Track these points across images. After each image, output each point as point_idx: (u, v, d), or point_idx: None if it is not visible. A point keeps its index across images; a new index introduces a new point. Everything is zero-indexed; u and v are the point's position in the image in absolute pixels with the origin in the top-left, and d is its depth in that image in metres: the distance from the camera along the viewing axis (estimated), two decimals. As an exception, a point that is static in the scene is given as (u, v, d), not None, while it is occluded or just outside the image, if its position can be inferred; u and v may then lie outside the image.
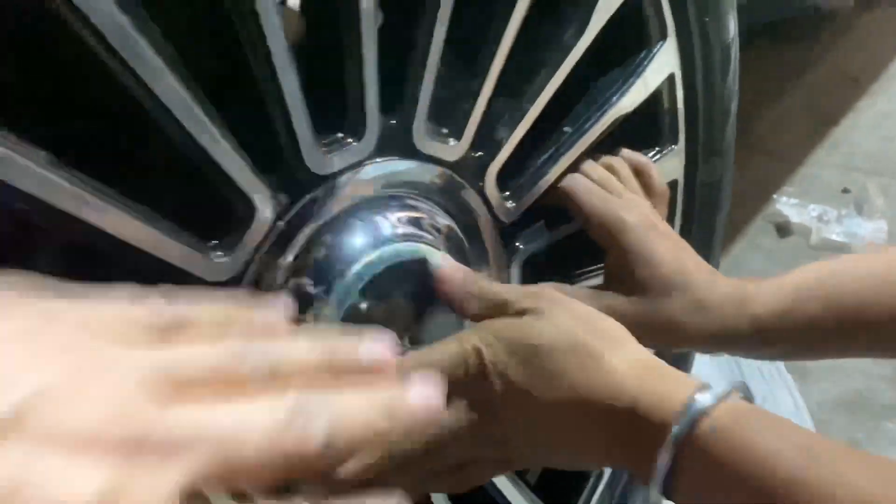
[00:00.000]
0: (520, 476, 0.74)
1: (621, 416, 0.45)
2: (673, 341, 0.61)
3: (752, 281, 0.61)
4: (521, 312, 0.50)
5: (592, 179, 0.65)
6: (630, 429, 0.45)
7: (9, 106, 0.32)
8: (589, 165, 0.67)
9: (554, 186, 0.65)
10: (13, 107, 0.32)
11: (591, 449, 0.48)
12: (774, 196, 1.63)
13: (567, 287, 0.63)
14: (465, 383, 0.47)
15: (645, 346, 0.57)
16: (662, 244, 0.60)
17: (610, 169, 0.68)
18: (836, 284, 0.56)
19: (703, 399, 0.42)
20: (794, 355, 0.63)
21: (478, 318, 0.52)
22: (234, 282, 0.44)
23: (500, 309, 0.51)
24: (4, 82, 0.35)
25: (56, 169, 0.35)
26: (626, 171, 0.68)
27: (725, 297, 0.58)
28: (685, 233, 0.83)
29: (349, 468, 0.45)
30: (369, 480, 0.47)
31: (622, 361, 0.47)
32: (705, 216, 0.85)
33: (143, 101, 0.37)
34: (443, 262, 0.54)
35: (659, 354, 0.50)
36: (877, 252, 0.59)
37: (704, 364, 1.25)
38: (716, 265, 0.92)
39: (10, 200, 0.33)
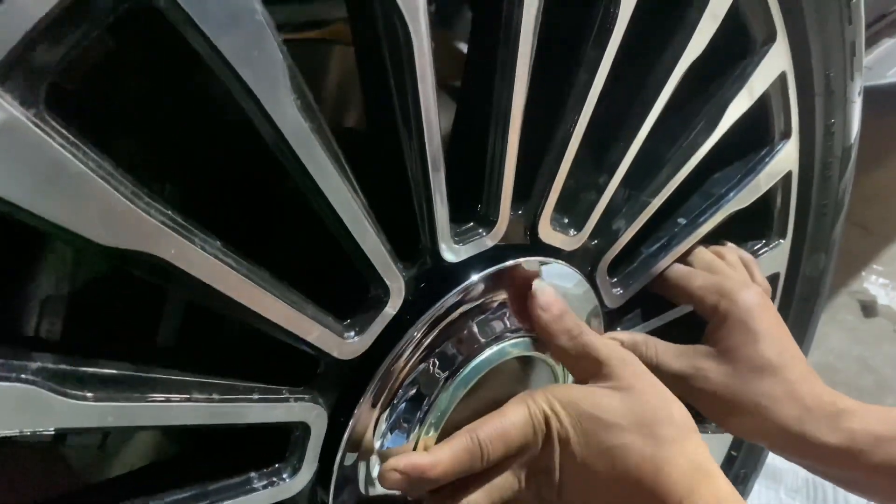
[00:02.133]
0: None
1: None
2: (750, 427, 0.59)
3: (853, 400, 0.60)
4: (602, 377, 0.51)
5: (701, 264, 0.66)
6: None
7: (204, 206, 0.34)
8: (698, 251, 0.67)
9: (662, 275, 0.65)
10: (203, 205, 0.35)
11: None
12: (863, 273, 1.58)
13: (658, 342, 0.62)
14: (532, 447, 0.49)
15: (721, 424, 0.58)
16: (769, 323, 0.60)
17: (718, 255, 0.68)
18: None
19: None
20: (865, 488, 0.60)
21: (564, 358, 0.53)
22: (360, 359, 0.46)
23: (586, 362, 0.52)
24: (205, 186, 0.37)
25: (225, 256, 0.37)
26: (733, 258, 0.68)
27: (822, 400, 0.57)
28: (785, 301, 0.82)
29: None
30: None
31: (682, 457, 0.48)
32: (803, 311, 0.84)
33: (312, 198, 0.39)
34: (541, 290, 0.54)
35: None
36: None
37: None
38: (809, 344, 0.91)
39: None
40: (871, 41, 1.14)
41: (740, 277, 0.65)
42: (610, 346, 0.53)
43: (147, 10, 0.30)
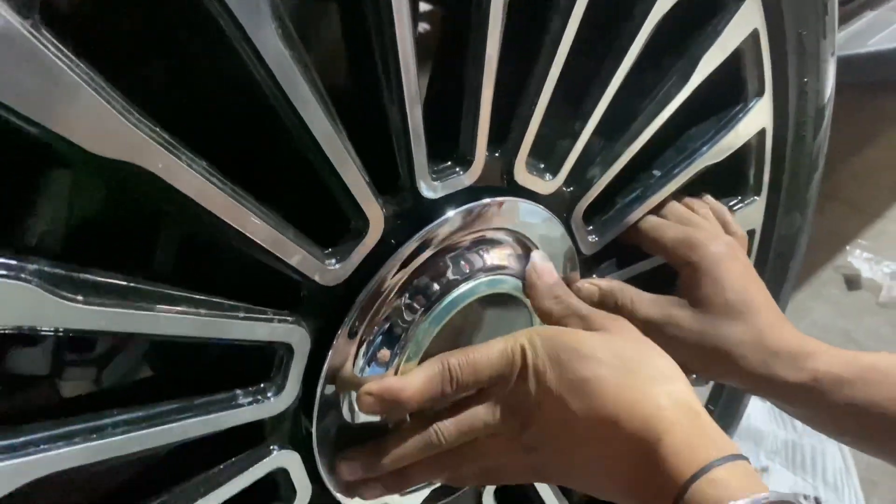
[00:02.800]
0: (565, 493, 0.77)
1: (645, 449, 0.45)
2: (720, 371, 0.62)
3: (816, 340, 0.62)
4: (585, 328, 0.53)
5: (674, 216, 0.68)
6: (648, 466, 0.45)
7: (189, 127, 0.37)
8: (671, 204, 0.70)
9: (636, 226, 0.68)
10: (189, 126, 0.37)
11: (612, 476, 0.48)
12: (847, 247, 1.61)
13: (633, 290, 0.64)
14: (507, 381, 0.51)
15: (693, 369, 0.60)
16: (736, 271, 0.62)
17: (690, 208, 0.70)
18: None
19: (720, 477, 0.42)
20: (832, 430, 0.62)
21: (548, 318, 0.55)
22: (341, 286, 0.49)
23: (568, 320, 0.54)
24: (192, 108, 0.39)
25: (210, 175, 0.40)
26: (705, 211, 0.70)
27: (789, 343, 0.60)
28: (760, 259, 0.84)
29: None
30: (418, 465, 0.52)
31: (665, 395, 0.47)
32: (778, 267, 0.87)
33: (291, 126, 0.42)
34: (540, 259, 0.58)
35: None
36: None
37: (756, 410, 1.25)
38: (784, 301, 0.93)
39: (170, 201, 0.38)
40: (855, 13, 1.16)
41: (711, 230, 0.67)
42: (598, 310, 0.55)
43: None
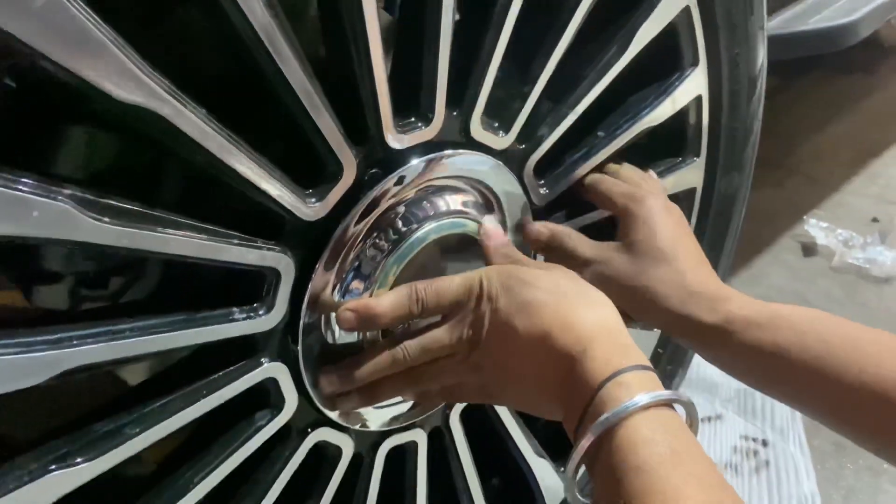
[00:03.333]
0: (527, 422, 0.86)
1: (570, 361, 0.52)
2: (646, 308, 0.68)
3: (737, 291, 0.66)
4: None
5: (622, 176, 0.77)
6: (572, 375, 0.52)
7: (191, 81, 0.45)
8: (623, 166, 0.79)
9: (582, 181, 0.76)
10: (190, 80, 0.46)
11: (542, 388, 0.55)
12: (805, 217, 1.71)
13: (577, 234, 0.72)
14: (465, 307, 0.59)
15: (625, 308, 0.66)
16: (669, 222, 0.70)
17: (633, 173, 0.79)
18: (817, 335, 0.59)
19: (630, 382, 0.48)
20: (739, 371, 0.66)
21: None
22: (320, 222, 0.57)
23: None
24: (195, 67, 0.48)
25: (209, 121, 0.48)
26: (647, 176, 0.79)
27: (707, 286, 0.65)
28: (698, 233, 0.94)
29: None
30: (387, 380, 0.61)
31: (594, 316, 0.54)
32: (719, 223, 0.96)
33: (275, 81, 0.50)
34: (491, 224, 0.67)
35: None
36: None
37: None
38: (726, 268, 1.02)
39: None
40: (799, -5, 1.25)
41: (650, 188, 0.76)
42: (539, 261, 0.63)
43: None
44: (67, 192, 0.44)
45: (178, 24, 0.49)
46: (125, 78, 0.43)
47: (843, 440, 1.21)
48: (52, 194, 0.43)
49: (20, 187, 0.42)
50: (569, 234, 0.73)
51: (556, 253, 0.72)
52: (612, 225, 0.75)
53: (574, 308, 0.56)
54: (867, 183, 1.85)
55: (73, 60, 0.41)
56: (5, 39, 0.38)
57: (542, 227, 0.73)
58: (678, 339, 0.70)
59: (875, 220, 1.71)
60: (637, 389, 0.49)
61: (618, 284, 0.69)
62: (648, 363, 0.53)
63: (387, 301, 0.59)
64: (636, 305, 0.69)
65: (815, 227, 1.64)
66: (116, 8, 0.43)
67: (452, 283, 0.60)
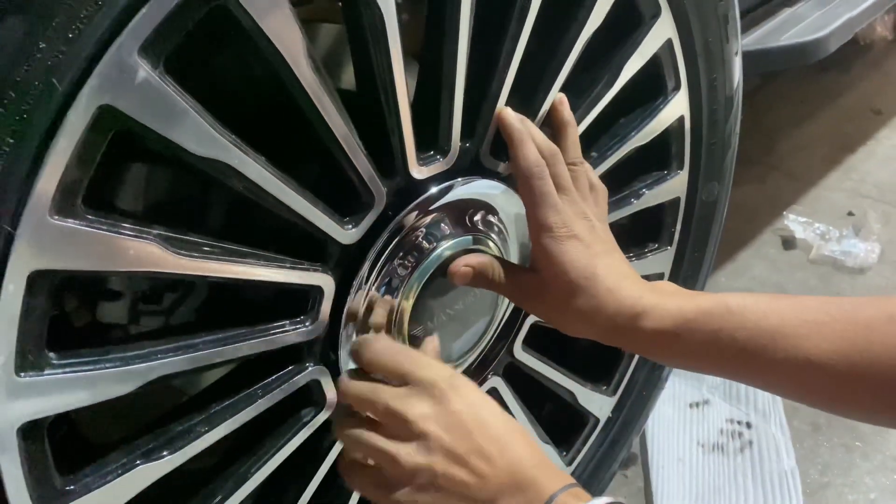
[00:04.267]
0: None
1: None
2: (583, 331, 0.70)
3: (658, 291, 0.68)
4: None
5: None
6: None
7: (251, 134, 0.54)
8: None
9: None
10: (251, 134, 0.55)
11: None
12: (785, 212, 1.81)
13: (496, 264, 0.72)
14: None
15: (563, 330, 0.71)
16: (580, 252, 0.68)
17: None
18: (723, 327, 0.62)
19: None
20: (682, 367, 0.70)
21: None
22: (355, 245, 0.67)
23: None
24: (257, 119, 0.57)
25: (267, 166, 0.57)
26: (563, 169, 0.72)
27: (623, 306, 0.67)
28: (683, 237, 1.03)
29: None
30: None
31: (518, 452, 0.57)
32: (702, 227, 1.06)
33: (320, 130, 0.59)
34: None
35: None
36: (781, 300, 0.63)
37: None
38: (709, 266, 1.12)
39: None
40: (773, 11, 1.35)
41: (548, 193, 0.69)
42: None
43: (222, 8, 0.50)
44: (155, 231, 0.53)
45: (242, 88, 0.58)
46: (202, 137, 0.52)
47: (819, 420, 1.33)
48: (142, 235, 0.52)
49: (122, 231, 0.51)
50: (492, 264, 0.73)
51: (484, 286, 0.74)
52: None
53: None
54: (842, 178, 1.96)
55: (162, 125, 0.50)
56: (111, 112, 0.47)
57: (465, 269, 0.72)
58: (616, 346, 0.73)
59: (850, 213, 1.82)
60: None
61: (543, 311, 0.73)
62: (570, 478, 0.58)
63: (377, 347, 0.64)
64: (566, 328, 0.72)
65: (795, 222, 1.75)
66: (193, 81, 0.52)
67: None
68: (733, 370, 0.64)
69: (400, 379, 0.61)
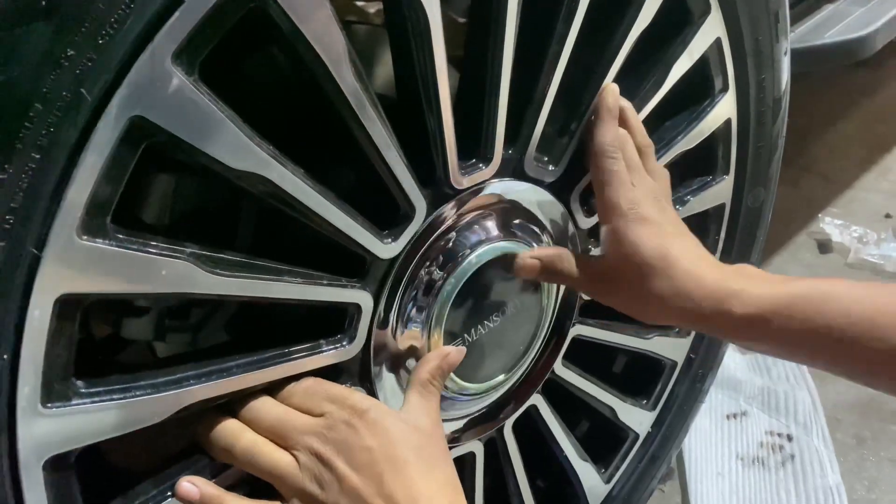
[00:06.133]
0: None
1: None
2: (655, 317, 0.68)
3: (743, 274, 0.65)
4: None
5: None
6: None
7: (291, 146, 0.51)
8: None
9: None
10: (290, 146, 0.51)
11: None
12: (820, 215, 1.76)
13: (565, 254, 0.71)
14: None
15: (635, 317, 0.69)
16: (652, 232, 0.66)
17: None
18: (820, 313, 0.59)
19: None
20: (776, 354, 0.68)
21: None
22: (394, 259, 0.63)
23: None
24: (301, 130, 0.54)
25: (307, 179, 0.54)
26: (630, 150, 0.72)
27: (706, 289, 0.64)
28: (728, 245, 0.99)
29: None
30: None
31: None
32: (747, 234, 1.01)
33: (361, 139, 0.56)
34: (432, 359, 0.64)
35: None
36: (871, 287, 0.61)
37: (735, 361, 1.41)
38: (753, 252, 1.06)
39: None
40: (815, 7, 1.30)
41: (638, 180, 0.70)
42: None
43: (260, 10, 0.46)
44: (188, 250, 0.50)
45: (282, 101, 0.55)
46: (242, 151, 0.48)
47: (864, 433, 1.27)
48: (175, 253, 0.49)
49: (150, 250, 0.47)
50: (560, 255, 0.71)
51: (553, 279, 0.73)
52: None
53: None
54: (878, 178, 1.90)
55: (198, 138, 0.46)
56: (141, 122, 0.44)
57: (532, 260, 0.71)
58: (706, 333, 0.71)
59: (888, 216, 1.76)
60: None
61: (618, 296, 0.70)
62: None
63: None
64: (643, 315, 0.70)
65: (830, 225, 1.70)
66: (231, 90, 0.48)
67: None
68: (828, 358, 0.61)
69: (317, 409, 0.57)
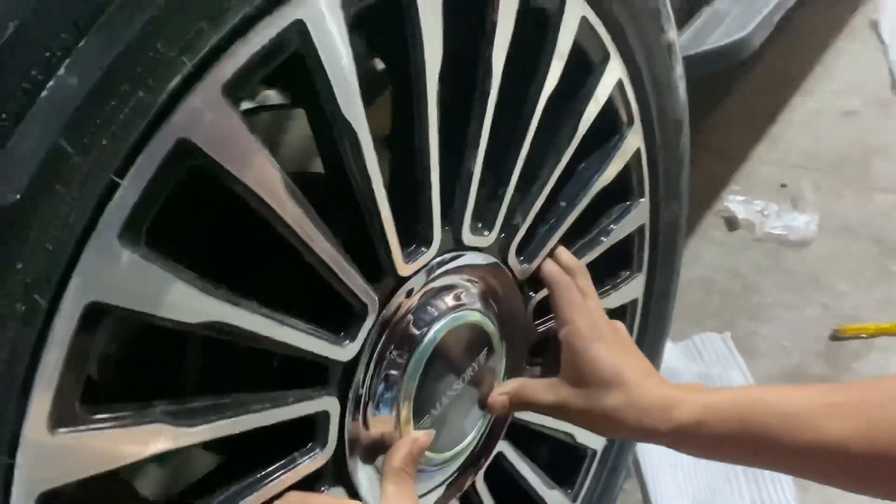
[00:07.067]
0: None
1: None
2: (609, 430, 0.76)
3: (685, 388, 0.71)
4: None
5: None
6: None
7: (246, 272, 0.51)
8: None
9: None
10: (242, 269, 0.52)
11: None
12: (723, 193, 1.86)
13: (531, 383, 0.78)
14: None
15: (591, 431, 0.76)
16: (606, 349, 0.73)
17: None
18: (754, 412, 0.66)
19: None
20: (710, 458, 0.73)
21: None
22: (354, 358, 0.64)
23: None
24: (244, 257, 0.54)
25: (261, 308, 0.54)
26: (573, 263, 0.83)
27: (653, 399, 0.70)
28: (652, 262, 1.04)
29: None
30: None
31: None
32: (668, 245, 1.07)
33: (306, 254, 0.57)
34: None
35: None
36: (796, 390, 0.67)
37: (669, 350, 1.48)
38: (678, 273, 1.13)
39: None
40: (695, 9, 1.37)
41: (580, 301, 0.78)
42: None
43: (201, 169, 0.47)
44: (159, 409, 0.50)
45: (224, 237, 0.55)
46: (192, 304, 0.49)
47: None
48: (147, 416, 0.49)
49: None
50: (523, 386, 0.78)
51: (523, 408, 0.79)
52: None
53: None
54: (770, 149, 2.02)
55: (150, 307, 0.46)
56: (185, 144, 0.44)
57: (502, 398, 0.78)
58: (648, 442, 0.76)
59: (783, 185, 1.88)
60: None
61: (578, 416, 0.75)
62: None
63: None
64: (597, 428, 0.76)
65: (734, 202, 1.80)
66: (178, 245, 0.48)
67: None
68: (760, 455, 0.67)
69: None
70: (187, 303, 0.48)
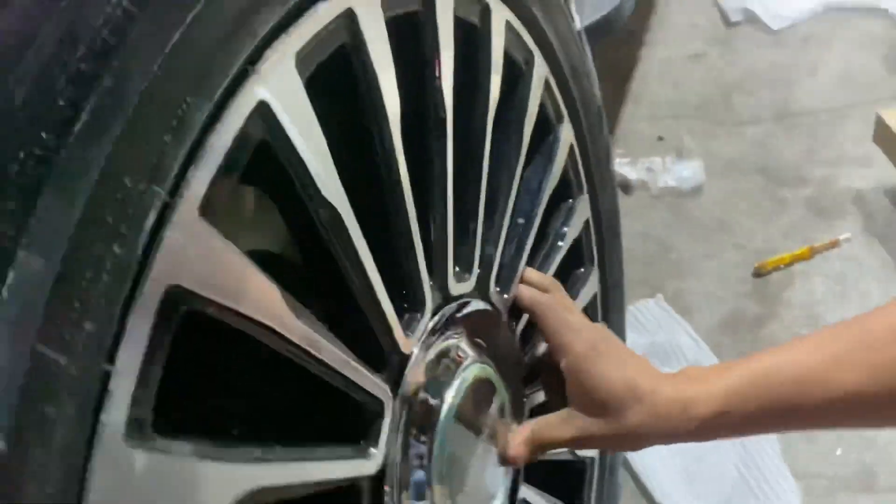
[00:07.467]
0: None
1: None
2: (636, 447, 0.71)
3: (690, 378, 0.68)
4: None
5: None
6: None
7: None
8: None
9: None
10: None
11: None
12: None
13: (546, 421, 0.72)
14: None
15: (622, 451, 0.71)
16: (609, 367, 0.68)
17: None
18: (769, 385, 0.63)
19: None
20: (733, 437, 0.71)
21: None
22: (381, 466, 0.55)
23: None
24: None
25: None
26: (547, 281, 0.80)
27: (671, 401, 0.67)
28: (601, 252, 1.01)
29: None
30: None
31: None
32: (610, 229, 1.05)
33: (313, 368, 0.47)
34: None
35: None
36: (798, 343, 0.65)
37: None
38: (621, 250, 1.11)
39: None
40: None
41: (568, 320, 0.73)
42: None
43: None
44: None
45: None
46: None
47: (743, 349, 1.38)
48: None
49: None
50: (538, 429, 0.72)
51: (544, 450, 0.72)
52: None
53: None
54: (636, 106, 2.07)
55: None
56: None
57: (520, 447, 0.71)
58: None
59: (660, 138, 1.93)
60: None
61: (601, 441, 0.71)
62: None
63: None
64: (626, 448, 0.73)
65: (622, 165, 1.82)
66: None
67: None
68: (783, 423, 0.66)
69: None
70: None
